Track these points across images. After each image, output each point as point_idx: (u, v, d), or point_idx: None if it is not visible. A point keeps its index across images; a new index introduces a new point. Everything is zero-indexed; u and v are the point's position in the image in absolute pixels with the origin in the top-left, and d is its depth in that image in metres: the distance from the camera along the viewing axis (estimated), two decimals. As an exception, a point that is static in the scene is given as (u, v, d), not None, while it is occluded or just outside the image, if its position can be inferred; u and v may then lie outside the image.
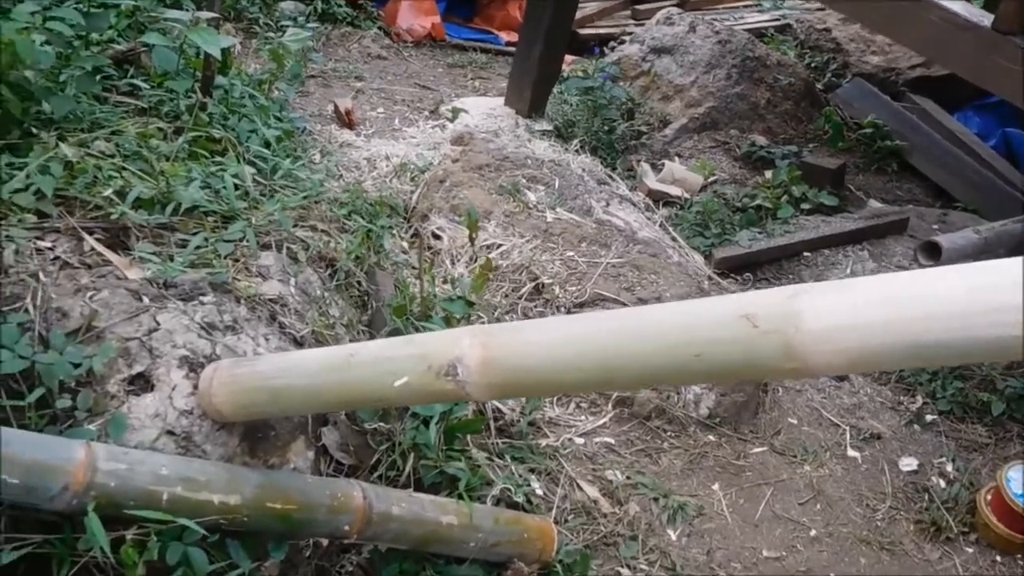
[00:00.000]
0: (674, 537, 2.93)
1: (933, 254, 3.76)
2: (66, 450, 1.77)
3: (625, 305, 3.51)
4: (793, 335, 1.25)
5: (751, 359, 1.35)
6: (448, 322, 2.82)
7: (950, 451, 3.45)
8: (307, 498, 2.12)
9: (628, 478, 3.08)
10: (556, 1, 4.79)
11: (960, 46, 3.41)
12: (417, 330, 2.79)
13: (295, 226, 2.99)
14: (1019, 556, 3.09)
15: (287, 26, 4.79)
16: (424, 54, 6.57)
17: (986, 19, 3.42)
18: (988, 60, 3.32)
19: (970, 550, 3.10)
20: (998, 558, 3.08)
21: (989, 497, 3.14)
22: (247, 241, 2.63)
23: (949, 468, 3.38)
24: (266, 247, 2.72)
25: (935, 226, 4.55)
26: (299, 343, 2.50)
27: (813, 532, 3.07)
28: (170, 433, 2.05)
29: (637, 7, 7.95)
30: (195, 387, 2.12)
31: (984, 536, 3.12)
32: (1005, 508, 3.05)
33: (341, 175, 4.33)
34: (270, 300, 2.51)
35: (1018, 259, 1.18)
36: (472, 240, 3.00)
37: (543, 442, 3.10)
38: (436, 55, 6.61)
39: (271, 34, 4.87)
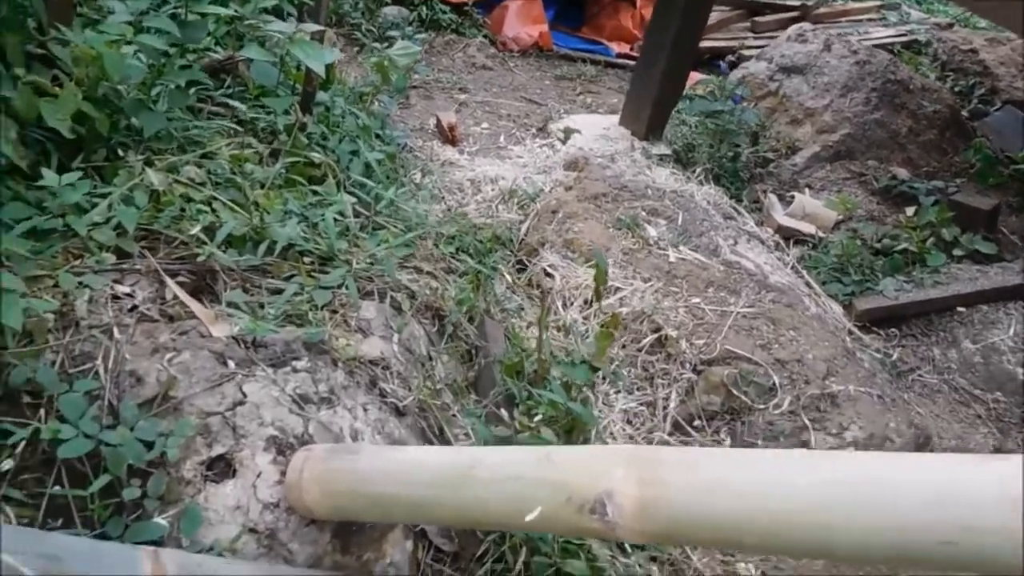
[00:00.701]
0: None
1: (1126, 323, 3.26)
2: (129, 564, 1.47)
3: (760, 366, 3.09)
4: None
5: (1016, 556, 0.98)
6: (568, 390, 2.45)
7: None
8: (406, 615, 1.79)
9: (763, 573, 2.66)
10: (685, 11, 4.38)
11: None
12: (531, 396, 2.43)
13: (400, 268, 2.67)
14: None
15: (393, 36, 4.50)
16: (530, 64, 6.22)
17: None
18: None
19: None
20: None
21: None
22: (347, 289, 2.31)
23: None
24: (368, 295, 2.40)
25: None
26: (401, 413, 2.17)
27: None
28: (252, 531, 1.73)
29: (756, 19, 7.48)
30: (282, 474, 1.80)
31: None
32: None
33: (443, 198, 4.02)
34: (371, 362, 2.19)
35: None
36: (599, 296, 2.64)
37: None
38: (543, 66, 6.27)
39: (376, 44, 4.59)
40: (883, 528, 1.07)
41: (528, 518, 1.36)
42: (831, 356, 3.16)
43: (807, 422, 2.95)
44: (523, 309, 3.07)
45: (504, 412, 2.41)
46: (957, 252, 4.18)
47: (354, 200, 2.87)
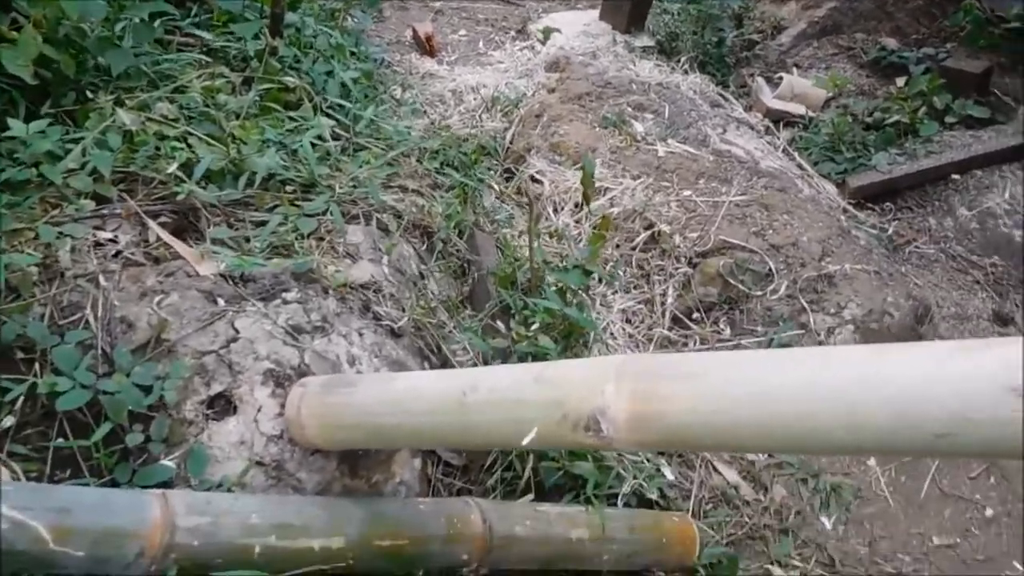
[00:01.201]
0: (829, 526, 2.57)
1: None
2: (138, 509, 1.49)
3: (755, 253, 3.09)
4: None
5: (1016, 445, 0.97)
6: (563, 295, 2.45)
7: None
8: (420, 530, 1.82)
9: (771, 456, 2.71)
10: None
11: None
12: (526, 306, 2.43)
13: (384, 188, 2.64)
14: None
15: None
16: (505, -36, 6.04)
17: None
18: None
19: None
20: None
21: None
22: (331, 215, 2.28)
23: None
24: (353, 219, 2.38)
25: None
26: (397, 335, 2.17)
27: (989, 512, 2.68)
28: (259, 464, 1.76)
29: None
30: (283, 406, 1.81)
31: None
32: None
33: (426, 112, 3.95)
34: (362, 287, 2.18)
35: None
36: (587, 197, 2.61)
37: (672, 419, 2.74)
38: (518, -36, 6.08)
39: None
40: (877, 424, 1.06)
41: (525, 441, 1.37)
42: (826, 237, 3.15)
43: (805, 304, 2.96)
44: (513, 218, 3.05)
45: (500, 324, 2.42)
46: (949, 119, 4.12)
47: (332, 123, 2.82)
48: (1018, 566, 2.54)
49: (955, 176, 3.78)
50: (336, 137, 2.79)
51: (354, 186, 2.46)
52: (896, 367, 1.07)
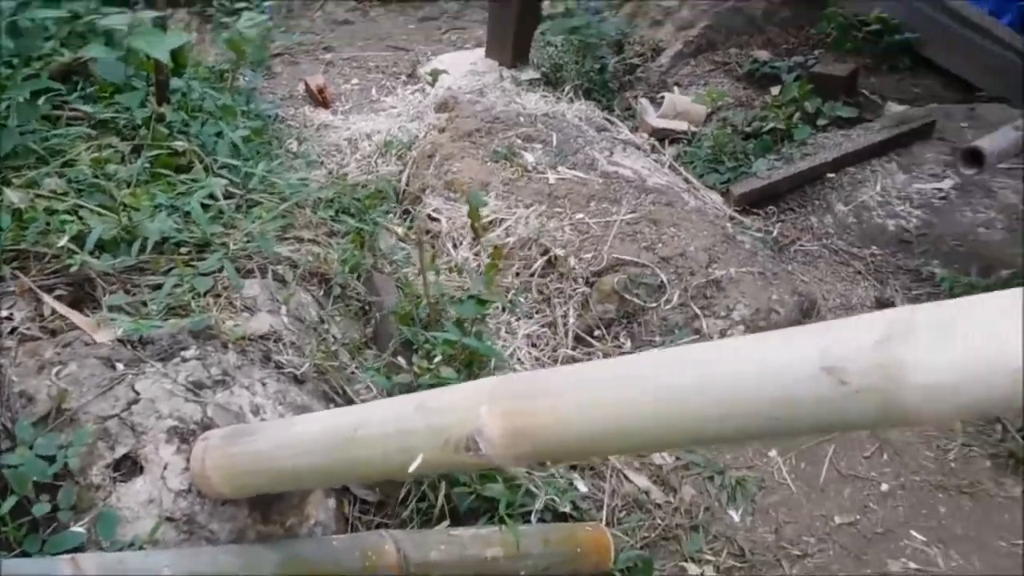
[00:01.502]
0: (737, 518, 2.70)
1: (975, 161, 3.45)
2: (49, 573, 1.53)
3: (647, 267, 3.23)
4: (895, 394, 0.98)
5: (841, 419, 1.08)
6: (461, 326, 2.55)
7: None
8: (335, 566, 1.89)
9: (678, 459, 2.84)
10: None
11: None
12: (427, 341, 2.52)
13: (279, 241, 2.71)
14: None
15: (243, 7, 4.44)
16: (392, 11, 6.19)
17: None
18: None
19: (1054, 476, 2.87)
20: (1084, 482, 2.85)
21: (1069, 422, 2.89)
22: (226, 272, 2.35)
23: (1019, 394, 3.11)
24: (249, 273, 2.45)
25: (964, 124, 4.21)
26: (300, 381, 2.24)
27: (884, 487, 2.84)
28: (169, 520, 1.81)
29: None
30: (189, 461, 1.87)
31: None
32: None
33: (322, 162, 4.04)
34: (261, 338, 2.25)
35: None
36: (475, 230, 2.72)
37: (582, 433, 2.85)
38: (406, 10, 6.24)
39: (227, 19, 4.53)
40: (720, 413, 1.17)
41: (411, 468, 1.45)
42: (711, 244, 3.32)
43: (697, 311, 3.11)
44: (411, 258, 3.15)
45: (403, 360, 2.50)
46: (821, 121, 4.36)
47: (225, 182, 2.88)
48: (915, 534, 2.70)
49: (830, 175, 4.00)
50: (229, 195, 2.85)
51: (248, 241, 2.53)
52: (731, 360, 1.19)
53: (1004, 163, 3.65)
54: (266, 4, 5.25)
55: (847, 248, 3.73)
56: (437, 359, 2.48)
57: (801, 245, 3.75)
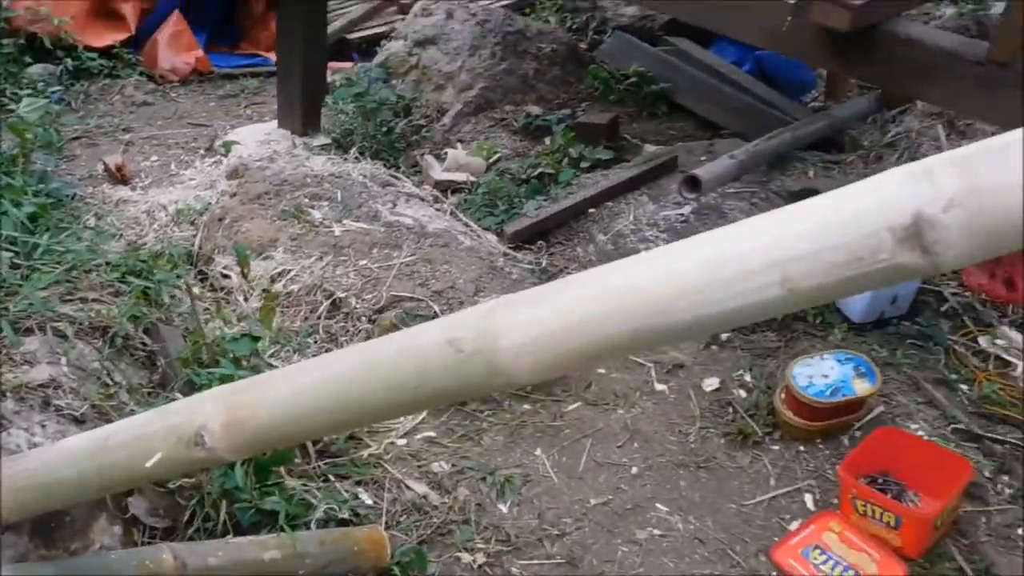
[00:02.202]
0: (505, 510, 3.05)
1: (695, 186, 4.01)
2: None
3: (421, 301, 3.60)
4: (494, 355, 1.32)
5: (464, 382, 1.42)
6: (238, 363, 2.83)
7: (747, 363, 3.71)
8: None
9: (453, 465, 3.17)
10: (307, 13, 4.80)
11: None
12: (205, 378, 2.78)
13: (64, 302, 2.93)
14: (818, 441, 3.36)
15: (27, 94, 4.61)
16: (193, 91, 6.42)
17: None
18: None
19: (776, 447, 3.35)
20: (801, 448, 3.35)
21: (783, 396, 3.39)
22: (4, 331, 2.55)
23: (748, 378, 3.62)
24: (28, 332, 2.65)
25: (703, 157, 4.82)
26: (80, 421, 2.46)
27: (634, 470, 3.25)
28: (-51, 548, 2.00)
29: (403, 1, 8.01)
30: (-33, 494, 2.06)
31: (786, 431, 3.38)
32: (796, 402, 3.32)
33: (121, 234, 4.23)
34: (40, 386, 2.46)
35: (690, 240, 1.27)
36: (245, 276, 3.02)
37: (365, 452, 3.16)
38: (206, 89, 6.48)
39: (13, 106, 4.67)
40: (375, 388, 1.50)
41: (149, 464, 1.72)
42: (479, 276, 3.72)
43: (467, 335, 3.48)
44: (198, 312, 3.40)
45: (181, 396, 2.75)
46: (584, 164, 4.88)
47: (11, 254, 3.08)
48: (660, 507, 3.12)
49: (591, 209, 4.50)
50: (15, 266, 3.05)
51: (29, 304, 2.74)
52: (387, 345, 1.56)
53: (722, 187, 4.24)
54: (52, 90, 5.42)
55: (607, 271, 4.20)
56: (216, 394, 2.74)
57: (567, 271, 4.20)
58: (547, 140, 5.28)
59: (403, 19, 7.38)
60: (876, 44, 2.92)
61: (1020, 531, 3.08)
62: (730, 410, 3.50)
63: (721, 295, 1.14)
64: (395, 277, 3.74)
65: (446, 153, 5.14)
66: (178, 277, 3.67)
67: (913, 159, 3.97)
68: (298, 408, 1.59)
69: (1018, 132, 0.92)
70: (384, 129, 5.13)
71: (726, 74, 5.84)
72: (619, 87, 5.82)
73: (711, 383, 3.62)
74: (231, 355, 2.84)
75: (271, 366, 3.01)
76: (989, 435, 3.44)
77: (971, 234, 0.94)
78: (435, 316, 3.55)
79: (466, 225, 4.41)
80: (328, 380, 1.57)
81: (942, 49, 2.85)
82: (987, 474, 3.28)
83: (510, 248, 4.30)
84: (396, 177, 4.72)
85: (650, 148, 5.27)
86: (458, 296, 3.61)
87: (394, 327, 3.53)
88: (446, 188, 4.86)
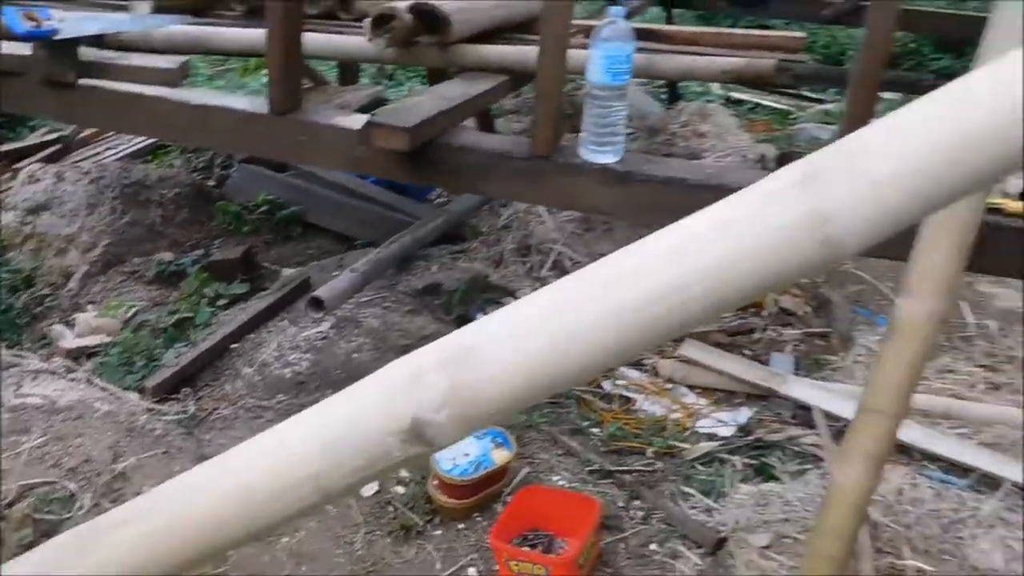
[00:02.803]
0: None
1: (319, 307, 4.19)
2: None
3: (56, 482, 3.45)
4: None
5: None
6: None
7: (403, 460, 3.89)
8: None
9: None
10: None
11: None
12: None
13: None
14: (476, 515, 3.60)
15: None
16: None
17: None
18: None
19: (438, 532, 3.54)
20: (460, 526, 3.57)
21: (435, 482, 3.61)
22: None
23: (404, 473, 3.81)
24: None
25: (335, 272, 5.02)
26: None
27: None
28: None
29: (15, 166, 7.63)
30: None
31: (444, 515, 3.59)
32: (445, 485, 3.54)
33: None
34: None
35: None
36: None
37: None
38: None
39: None
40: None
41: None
42: (116, 442, 3.63)
43: (109, 505, 3.38)
44: None
45: None
46: (222, 302, 4.93)
47: None
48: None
49: (234, 345, 4.55)
50: None
51: None
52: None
53: (351, 299, 4.47)
54: None
55: (257, 403, 4.26)
56: None
57: (219, 413, 4.20)
58: (183, 285, 5.26)
59: (10, 188, 7.07)
60: (438, 155, 3.27)
61: (652, 546, 3.49)
62: (391, 508, 3.65)
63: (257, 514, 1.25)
64: (25, 464, 3.55)
65: (75, 319, 4.97)
66: None
67: (525, 235, 4.42)
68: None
69: (491, 318, 1.10)
70: (2, 308, 4.87)
71: (354, 188, 6.16)
72: (251, 217, 5.95)
73: (370, 487, 3.75)
74: None
75: None
76: (619, 468, 3.88)
77: (466, 425, 1.14)
78: (72, 497, 3.42)
79: (103, 390, 4.27)
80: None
81: (494, 150, 3.24)
82: (620, 503, 3.69)
83: (154, 403, 4.23)
84: (21, 356, 4.49)
85: (288, 272, 5.41)
86: (95, 468, 3.50)
87: (30, 518, 3.36)
88: (80, 355, 4.69)
